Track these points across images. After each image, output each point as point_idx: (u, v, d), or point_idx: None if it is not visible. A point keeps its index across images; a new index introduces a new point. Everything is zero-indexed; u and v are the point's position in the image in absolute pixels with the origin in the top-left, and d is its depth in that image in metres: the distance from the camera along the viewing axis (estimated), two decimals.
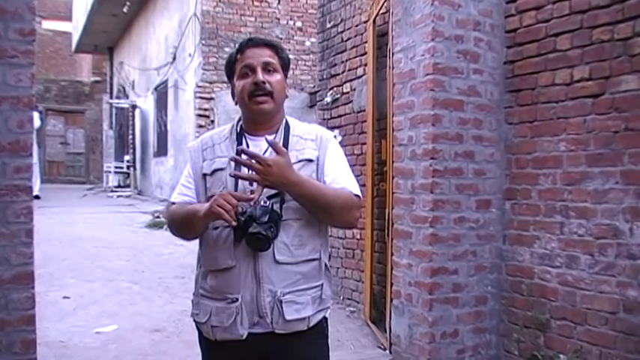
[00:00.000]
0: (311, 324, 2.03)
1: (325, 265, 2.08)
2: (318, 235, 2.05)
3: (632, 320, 3.18)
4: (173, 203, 2.13)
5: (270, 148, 1.91)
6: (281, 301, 1.96)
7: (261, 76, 2.01)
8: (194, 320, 2.13)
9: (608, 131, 3.34)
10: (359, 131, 5.39)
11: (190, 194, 2.09)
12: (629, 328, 3.19)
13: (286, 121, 2.11)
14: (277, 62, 2.07)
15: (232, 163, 1.98)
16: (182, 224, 2.06)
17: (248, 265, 1.96)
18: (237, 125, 2.12)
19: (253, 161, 1.86)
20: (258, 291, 1.96)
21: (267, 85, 2.01)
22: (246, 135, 2.08)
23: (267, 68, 2.04)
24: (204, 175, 2.07)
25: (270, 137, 2.01)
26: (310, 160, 2.04)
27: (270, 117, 2.07)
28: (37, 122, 14.15)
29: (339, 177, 2.04)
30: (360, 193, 2.06)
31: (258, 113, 2.04)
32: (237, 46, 2.10)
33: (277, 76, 2.05)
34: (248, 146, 2.03)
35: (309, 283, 2.02)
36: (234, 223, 1.86)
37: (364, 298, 5.06)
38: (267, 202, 1.92)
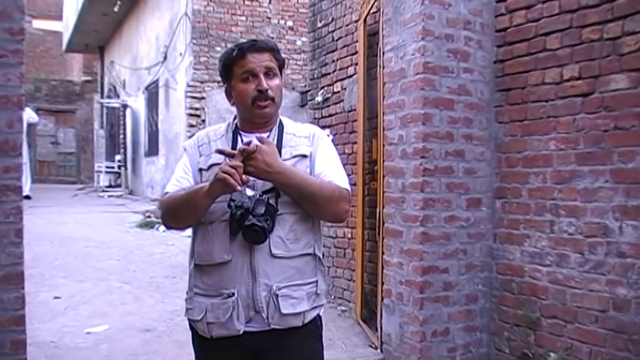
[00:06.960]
0: (306, 320, 2.06)
1: (319, 259, 2.11)
2: (311, 230, 2.08)
3: (621, 318, 3.20)
4: (167, 193, 2.12)
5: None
6: (277, 295, 1.99)
7: (265, 83, 2.05)
8: (188, 319, 2.13)
9: (598, 130, 3.35)
10: (350, 130, 5.39)
11: (186, 184, 2.10)
12: (618, 326, 3.21)
13: (280, 120, 2.16)
14: (275, 65, 2.11)
15: (227, 158, 2.01)
16: (181, 207, 2.04)
17: (244, 260, 1.99)
18: (232, 123, 2.17)
19: (237, 152, 1.93)
20: (254, 285, 1.99)
21: (270, 92, 2.05)
22: (241, 133, 2.12)
23: (268, 73, 2.07)
24: (201, 169, 2.10)
25: (264, 135, 2.08)
26: (304, 156, 2.09)
27: (269, 118, 2.12)
28: (34, 116, 14.17)
29: (328, 171, 2.08)
30: (348, 187, 2.09)
31: (261, 117, 2.09)
32: (236, 48, 2.10)
33: (277, 81, 2.10)
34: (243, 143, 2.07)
35: (304, 279, 2.06)
36: (239, 188, 1.89)
37: (355, 297, 5.06)
38: (263, 196, 1.96)
